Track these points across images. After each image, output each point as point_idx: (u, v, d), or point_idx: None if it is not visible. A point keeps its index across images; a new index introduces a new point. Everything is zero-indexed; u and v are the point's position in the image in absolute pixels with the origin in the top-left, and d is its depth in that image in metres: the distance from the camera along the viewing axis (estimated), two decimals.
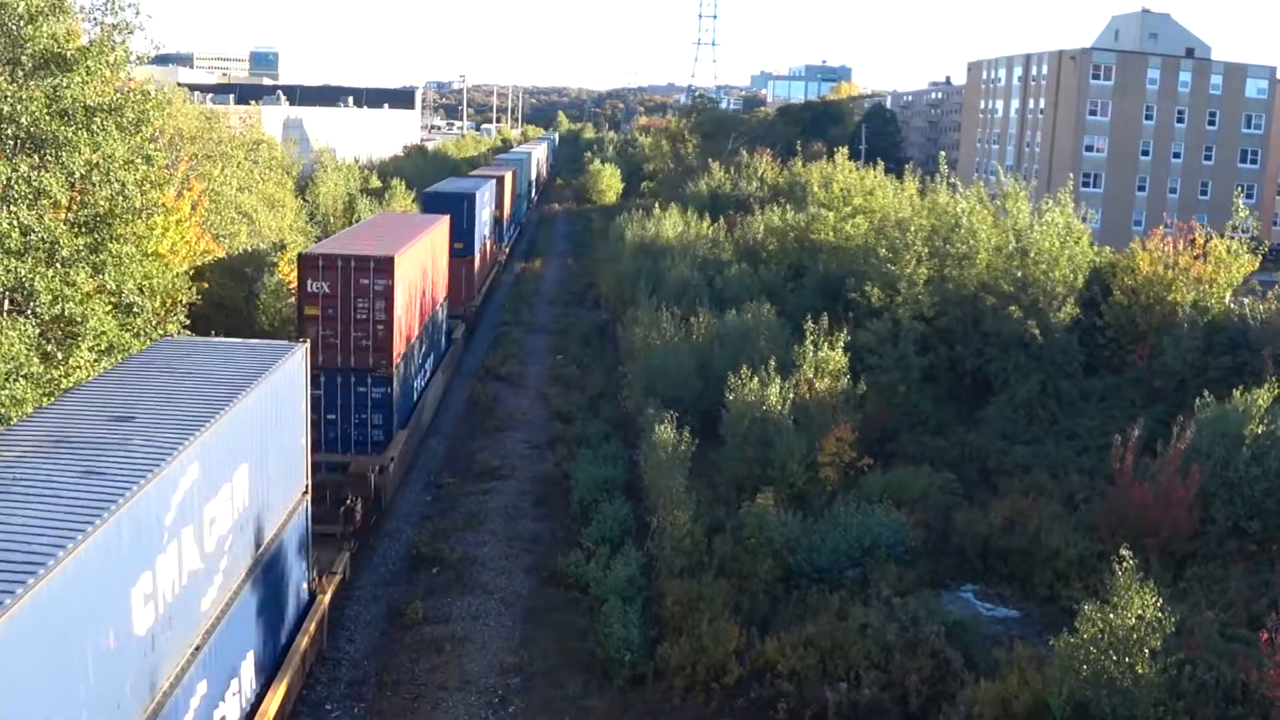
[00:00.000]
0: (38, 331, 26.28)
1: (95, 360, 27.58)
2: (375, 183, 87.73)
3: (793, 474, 32.65)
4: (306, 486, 23.83)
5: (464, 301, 56.98)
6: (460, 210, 56.22)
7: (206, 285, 37.34)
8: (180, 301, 33.60)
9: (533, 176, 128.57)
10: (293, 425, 22.45)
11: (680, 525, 28.84)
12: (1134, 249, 45.03)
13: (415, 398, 39.12)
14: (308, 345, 23.34)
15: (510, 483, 38.49)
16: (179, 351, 21.74)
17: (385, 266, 33.12)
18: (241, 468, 18.55)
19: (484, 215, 63.22)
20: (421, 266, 39.15)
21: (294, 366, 22.21)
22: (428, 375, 41.95)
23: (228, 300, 44.97)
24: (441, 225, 45.48)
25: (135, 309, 29.70)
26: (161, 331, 31.23)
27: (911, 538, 30.06)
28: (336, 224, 65.02)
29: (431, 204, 57.64)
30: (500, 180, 79.57)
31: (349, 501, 30.55)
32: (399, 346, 34.35)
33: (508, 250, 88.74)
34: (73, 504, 13.12)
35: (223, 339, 25.10)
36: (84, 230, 28.79)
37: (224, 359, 21.11)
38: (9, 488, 13.48)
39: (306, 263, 33.14)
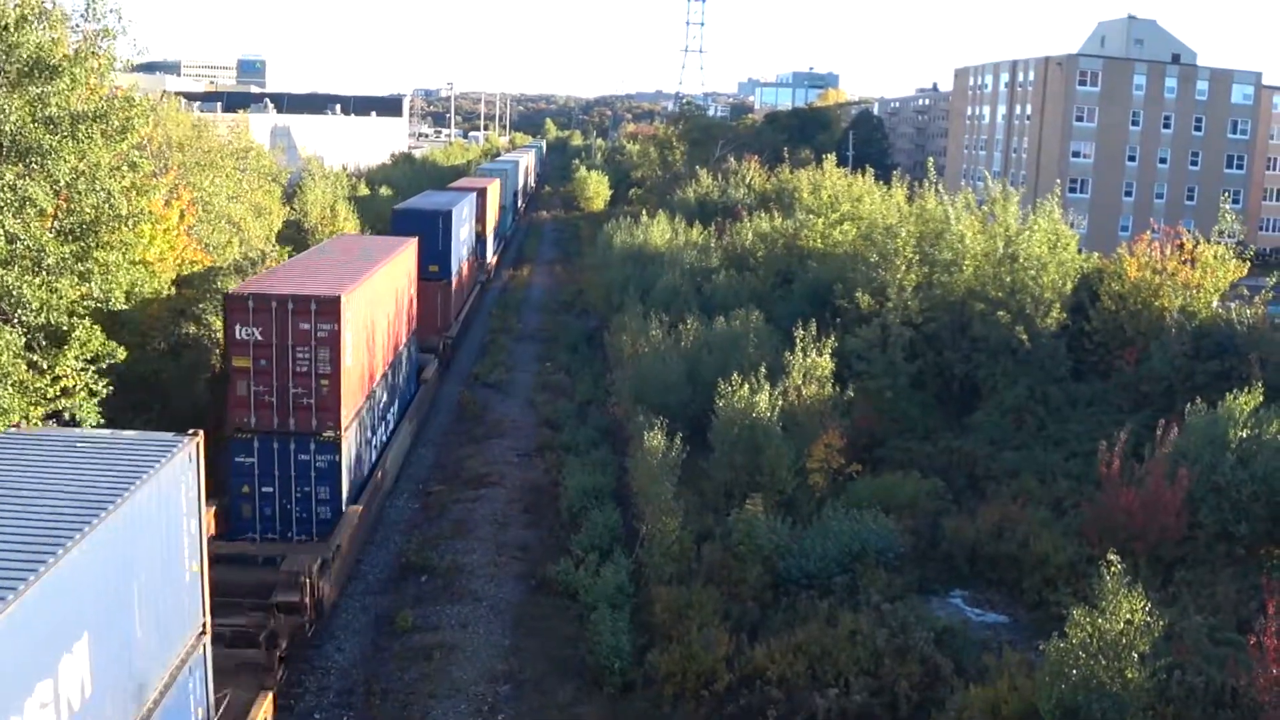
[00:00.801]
0: (23, 341, 26.15)
1: (81, 369, 27.46)
2: (364, 190, 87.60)
3: (781, 480, 32.65)
4: (204, 627, 17.82)
5: (439, 331, 51.41)
6: (434, 229, 51.13)
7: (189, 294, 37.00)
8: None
9: (519, 185, 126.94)
10: (172, 553, 16.34)
11: (669, 532, 28.84)
12: (1121, 254, 45.12)
13: (373, 461, 33.54)
14: (199, 439, 17.50)
15: (499, 490, 38.43)
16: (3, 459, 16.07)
17: (330, 308, 27.96)
18: (78, 644, 12.95)
19: (462, 233, 58.07)
20: (380, 302, 34.10)
21: (172, 476, 16.23)
22: (390, 427, 36.66)
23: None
24: (407, 250, 40.50)
25: (122, 318, 29.59)
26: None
27: (900, 544, 30.07)
28: (323, 232, 64.73)
29: (402, 223, 50.91)
30: (481, 193, 74.30)
31: (271, 623, 24.42)
32: (349, 403, 29.33)
33: (492, 266, 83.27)
34: None
35: (79, 433, 19.29)
36: (70, 238, 28.67)
37: (66, 472, 15.42)
38: None
39: (233, 304, 27.99)
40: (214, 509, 26.72)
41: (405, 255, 39.91)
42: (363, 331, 31.04)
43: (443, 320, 52.22)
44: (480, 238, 73.27)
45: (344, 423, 28.63)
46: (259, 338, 27.77)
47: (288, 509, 28.46)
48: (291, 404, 28.07)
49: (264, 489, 28.28)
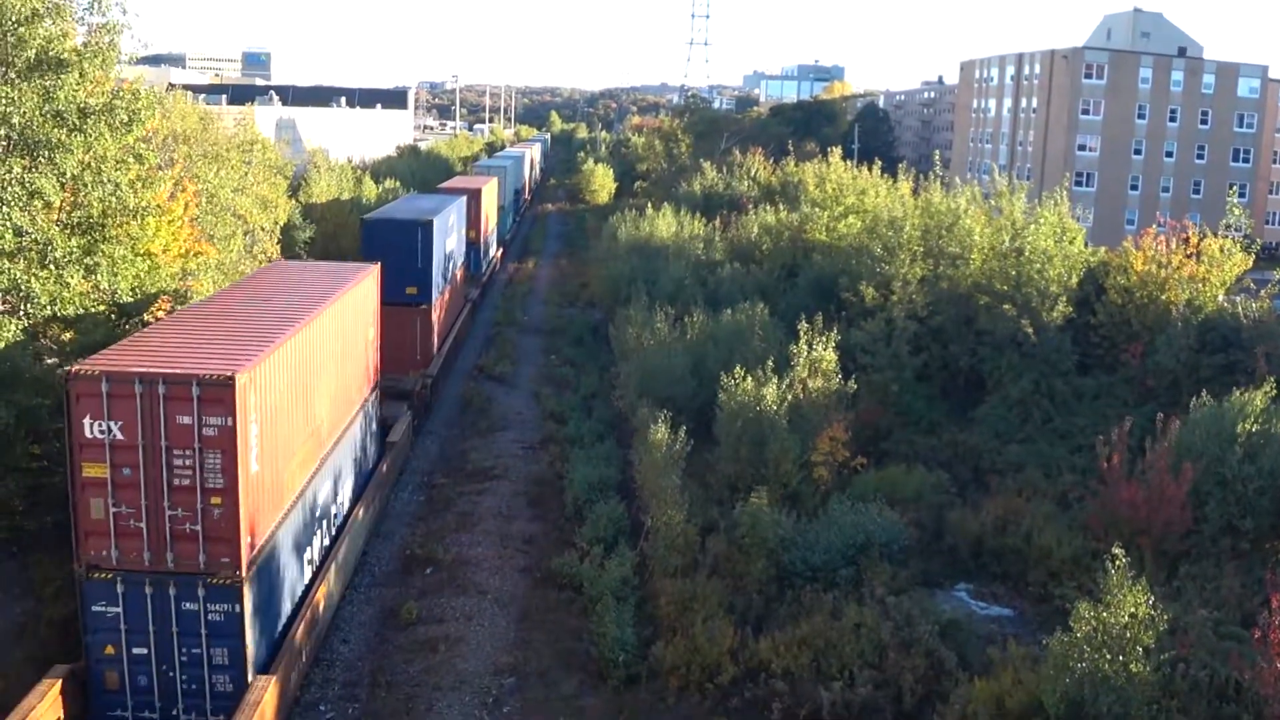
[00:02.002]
0: (28, 334, 26.22)
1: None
2: (369, 183, 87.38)
3: (786, 473, 32.66)
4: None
5: (419, 366, 44.27)
6: (411, 243, 43.56)
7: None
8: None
9: (522, 181, 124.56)
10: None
11: (674, 525, 28.87)
12: (1127, 248, 45.05)
13: (300, 594, 25.05)
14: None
15: (504, 483, 38.46)
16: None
17: (221, 394, 19.84)
18: None
19: (447, 244, 49.96)
20: (315, 364, 25.93)
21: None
22: (333, 531, 28.16)
23: None
24: (363, 282, 32.18)
25: (129, 309, 29.65)
26: None
27: (905, 537, 30.07)
28: (327, 225, 64.76)
29: (374, 236, 43.36)
30: (474, 195, 67.59)
31: None
32: (257, 526, 21.57)
33: (487, 276, 74.63)
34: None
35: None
36: (77, 231, 28.75)
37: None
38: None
39: (80, 388, 19.90)
40: (62, 677, 20.25)
41: (360, 289, 31.63)
42: (280, 416, 22.86)
43: (423, 354, 45.01)
44: (473, 246, 66.72)
45: (248, 557, 20.97)
46: (119, 436, 19.95)
47: (170, 678, 21.03)
48: (169, 532, 20.42)
49: (135, 649, 20.84)
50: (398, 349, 41.43)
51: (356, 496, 31.14)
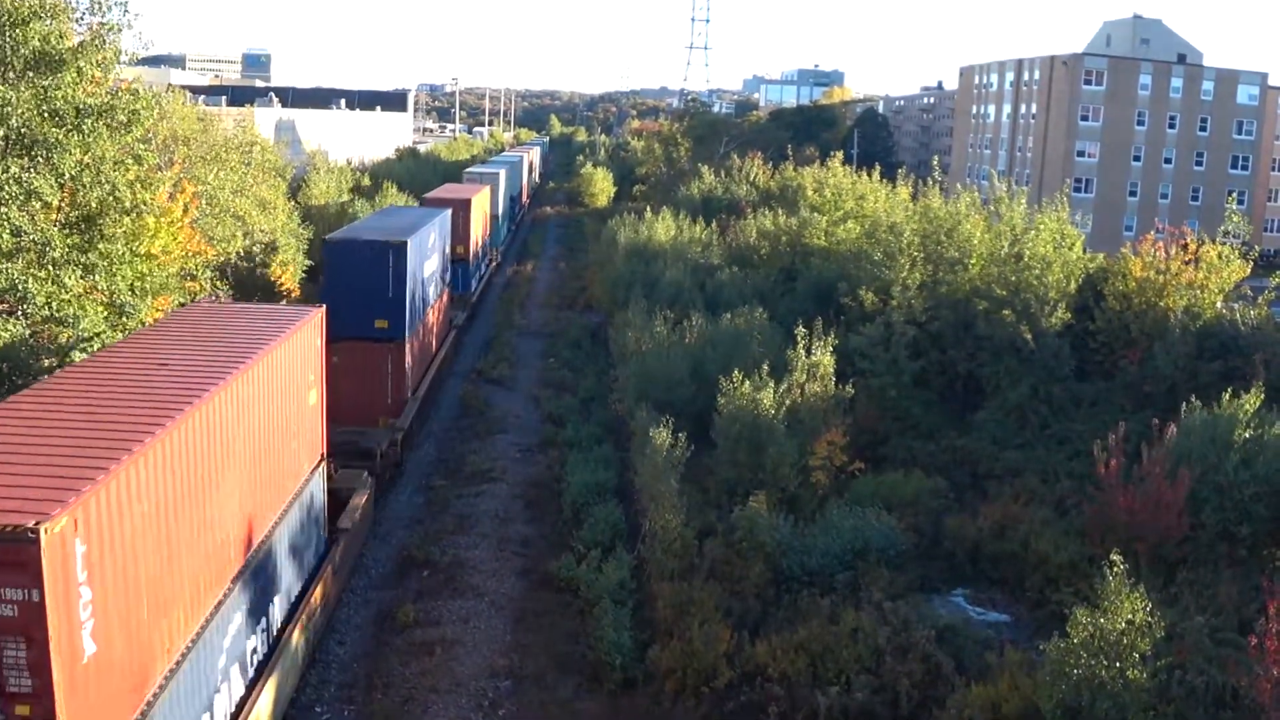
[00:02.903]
0: (29, 333, 26.22)
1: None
2: (366, 185, 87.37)
3: (784, 477, 32.65)
4: None
5: (390, 414, 38.02)
6: (381, 268, 37.59)
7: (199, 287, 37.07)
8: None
9: (520, 186, 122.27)
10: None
11: (672, 528, 28.86)
12: (1126, 254, 45.06)
13: None
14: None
15: (501, 485, 38.48)
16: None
17: (18, 555, 12.98)
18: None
19: (426, 267, 43.09)
20: (213, 458, 18.74)
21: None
22: (253, 669, 21.14)
23: None
24: (298, 333, 24.74)
25: (128, 310, 29.63)
26: None
27: (902, 542, 30.07)
28: (324, 227, 64.79)
29: (337, 260, 37.63)
30: (462, 207, 62.31)
31: None
32: None
33: (477, 294, 68.09)
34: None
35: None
36: (74, 230, 28.74)
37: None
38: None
39: None
40: None
41: (295, 343, 24.41)
42: (145, 554, 15.92)
43: (394, 399, 38.30)
44: (460, 263, 61.24)
45: None
46: None
47: None
48: None
49: None
50: (363, 395, 36.53)
51: (290, 618, 23.64)
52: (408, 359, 39.00)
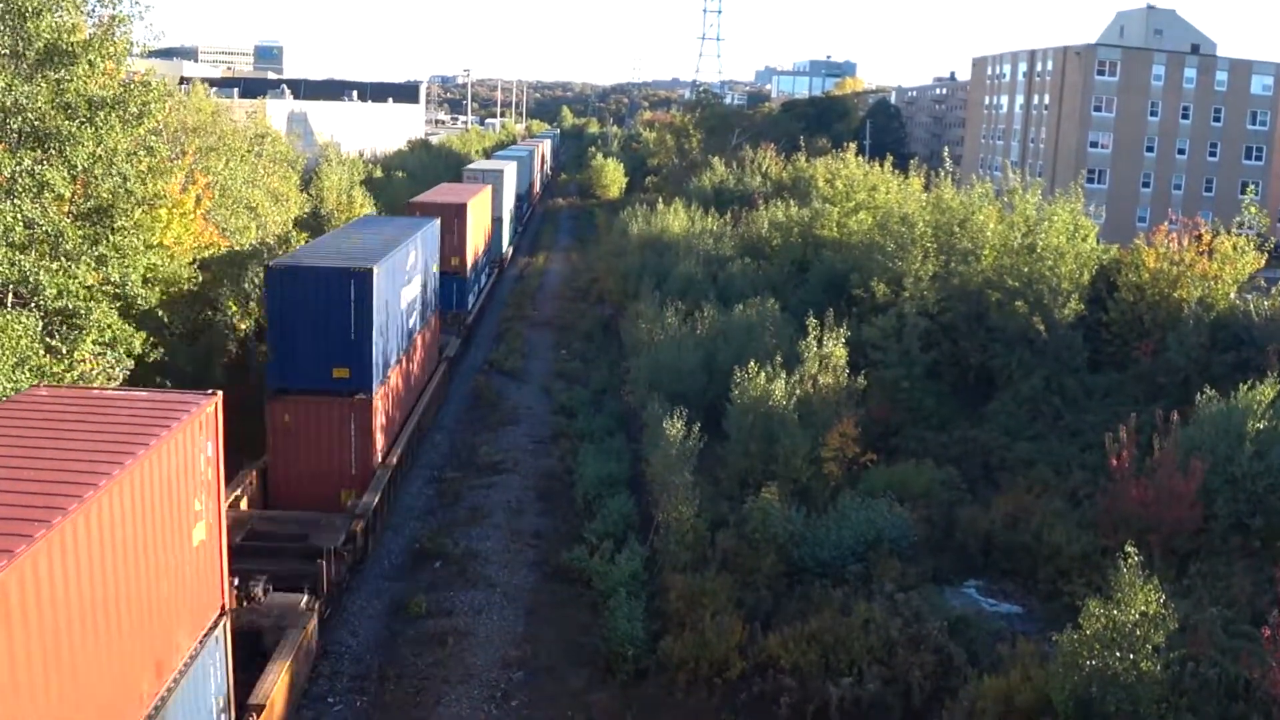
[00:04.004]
0: (40, 325, 26.30)
1: (100, 353, 27.62)
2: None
3: (796, 469, 32.63)
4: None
5: (354, 485, 31.00)
6: (341, 301, 30.26)
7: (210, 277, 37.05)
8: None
9: (531, 179, 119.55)
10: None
11: (684, 520, 28.86)
12: (1139, 245, 44.93)
13: None
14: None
15: (514, 477, 38.52)
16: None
17: None
18: None
19: (404, 295, 36.07)
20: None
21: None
22: None
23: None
24: (171, 438, 16.45)
25: (139, 301, 29.73)
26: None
27: (914, 533, 30.04)
28: (340, 218, 64.76)
29: (284, 293, 30.19)
30: (455, 213, 54.65)
31: None
32: None
33: (475, 312, 59.92)
34: None
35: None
36: (86, 221, 28.83)
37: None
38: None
39: None
40: None
41: (163, 457, 16.23)
42: None
43: (359, 468, 31.23)
44: (453, 278, 54.17)
45: None
46: None
47: None
48: None
49: None
50: (318, 465, 30.63)
51: None
52: (377, 417, 31.81)
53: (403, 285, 35.80)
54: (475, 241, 59.70)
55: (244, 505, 28.98)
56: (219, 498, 18.82)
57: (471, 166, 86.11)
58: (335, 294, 30.24)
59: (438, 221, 45.84)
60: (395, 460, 33.69)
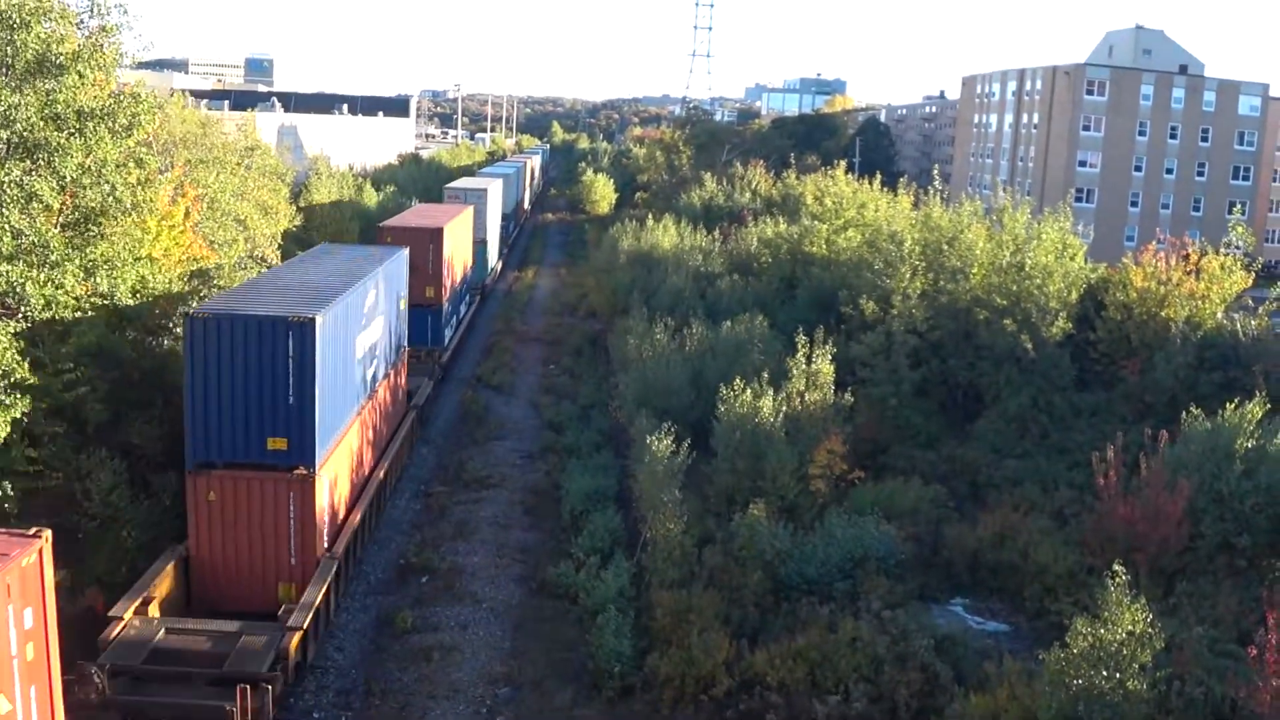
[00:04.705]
0: (25, 338, 26.19)
1: (89, 363, 27.55)
2: (369, 190, 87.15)
3: (784, 486, 32.60)
4: None
5: (291, 580, 26.42)
6: (275, 358, 25.61)
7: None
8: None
9: (520, 196, 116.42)
10: None
11: (671, 536, 28.81)
12: (1127, 264, 45.08)
13: None
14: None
15: (501, 492, 38.44)
16: None
17: None
18: None
19: (360, 343, 31.30)
20: None
21: None
22: None
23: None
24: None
25: (130, 314, 29.64)
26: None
27: (902, 551, 30.03)
28: (327, 231, 64.59)
29: (210, 342, 25.47)
30: (430, 240, 49.62)
31: None
32: None
33: (453, 345, 55.16)
34: None
35: None
36: (73, 229, 28.76)
37: None
38: None
39: None
40: None
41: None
42: None
43: (300, 560, 26.45)
44: (428, 311, 49.57)
45: None
46: None
47: None
48: None
49: None
50: (249, 553, 26.32)
51: None
52: (321, 496, 26.91)
53: (359, 331, 31.11)
54: (454, 269, 54.77)
55: (154, 610, 24.11)
56: (50, 677, 14.58)
57: (453, 185, 79.05)
58: (270, 348, 25.52)
59: (406, 252, 40.53)
60: (345, 545, 28.71)
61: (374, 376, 33.67)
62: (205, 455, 25.85)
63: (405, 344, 40.48)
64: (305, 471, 26.25)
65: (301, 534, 26.38)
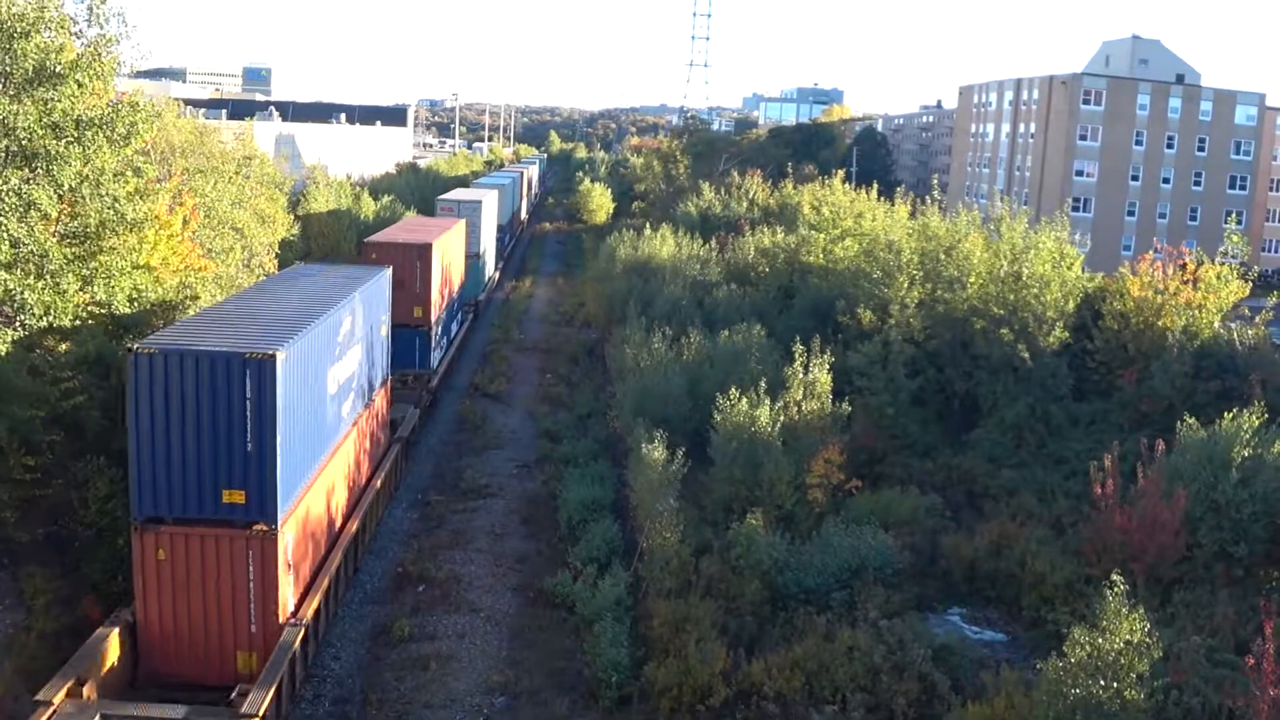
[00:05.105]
0: (22, 346, 26.20)
1: (86, 371, 27.57)
2: (367, 199, 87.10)
3: (781, 495, 32.61)
4: None
5: (250, 649, 23.91)
6: (232, 400, 22.98)
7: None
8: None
9: (517, 206, 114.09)
10: None
11: (668, 546, 28.80)
12: (1124, 274, 45.13)
13: None
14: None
15: (498, 501, 38.42)
16: None
17: None
18: None
19: (333, 377, 28.43)
20: None
21: None
22: None
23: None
24: None
25: (126, 322, 29.65)
26: None
27: (899, 560, 30.03)
28: (326, 241, 64.58)
29: (157, 381, 22.77)
30: (417, 256, 46.16)
31: None
32: None
33: (442, 369, 50.96)
34: None
35: None
36: (74, 242, 28.78)
37: None
38: None
39: None
40: None
41: None
42: None
43: (260, 628, 23.95)
44: (415, 333, 46.28)
45: None
46: None
47: None
48: None
49: None
50: (204, 620, 23.72)
51: None
52: (285, 554, 24.11)
53: (332, 364, 28.22)
54: (444, 286, 51.20)
55: (90, 690, 21.39)
56: None
57: (446, 197, 73.66)
58: (225, 389, 22.81)
59: (388, 272, 37.20)
60: (314, 608, 25.66)
61: (350, 413, 30.77)
62: (153, 509, 23.15)
63: (388, 372, 37.53)
64: (266, 527, 23.50)
65: (262, 598, 23.73)
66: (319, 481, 27.24)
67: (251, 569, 23.52)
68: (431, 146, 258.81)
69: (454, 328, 56.32)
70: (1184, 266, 44.78)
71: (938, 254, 46.57)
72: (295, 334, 24.85)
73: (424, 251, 46.63)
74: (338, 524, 29.69)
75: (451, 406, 49.81)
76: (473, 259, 65.54)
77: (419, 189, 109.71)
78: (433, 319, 47.69)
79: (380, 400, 35.87)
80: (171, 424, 22.78)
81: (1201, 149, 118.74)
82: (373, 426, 34.57)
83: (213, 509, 23.24)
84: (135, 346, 22.85)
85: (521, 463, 42.90)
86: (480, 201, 70.71)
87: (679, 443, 32.50)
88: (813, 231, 61.92)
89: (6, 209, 26.11)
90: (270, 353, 22.90)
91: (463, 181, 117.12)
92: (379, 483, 34.22)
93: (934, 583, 30.83)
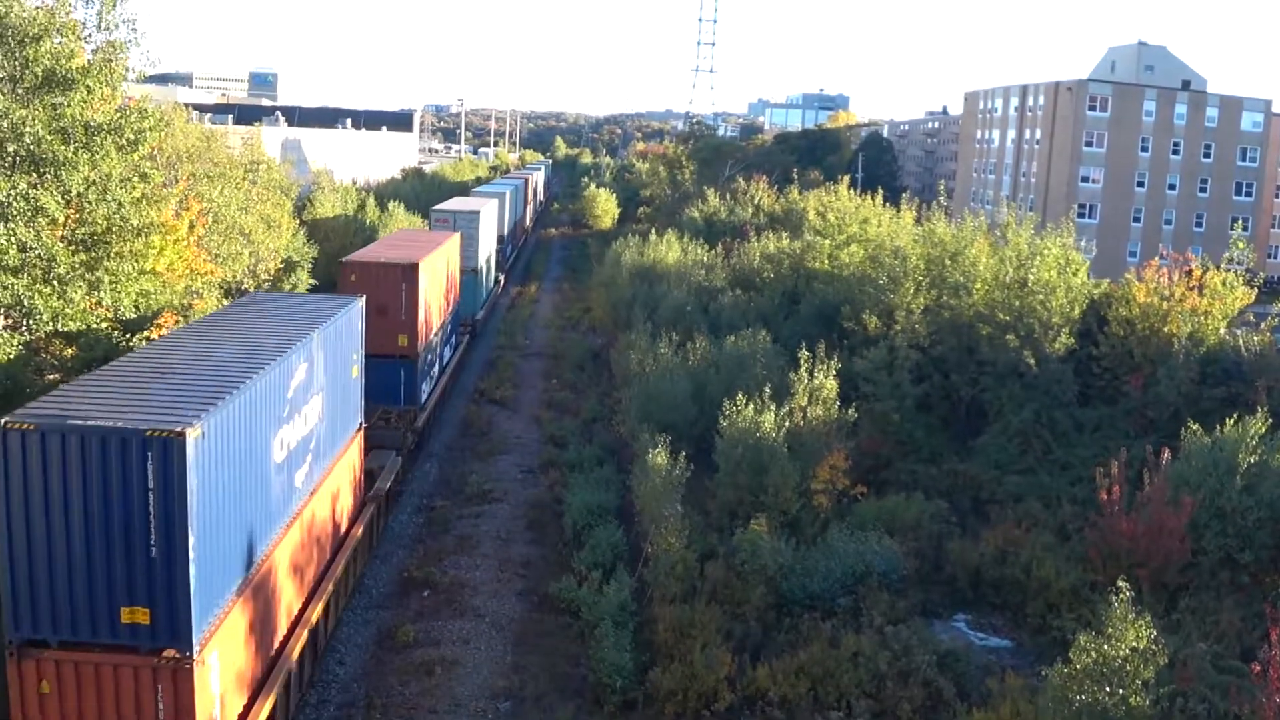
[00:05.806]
0: (30, 350, 26.27)
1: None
2: (372, 205, 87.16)
3: (786, 501, 32.61)
4: None
5: None
6: (128, 493, 17.21)
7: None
8: None
9: (521, 213, 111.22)
10: None
11: (673, 551, 28.81)
12: (1130, 280, 45.10)
13: None
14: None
15: (503, 506, 38.42)
16: None
17: None
18: None
19: (278, 446, 22.23)
20: None
21: None
22: None
23: None
24: None
25: (133, 326, 29.72)
26: None
27: (904, 566, 30.03)
28: (332, 245, 64.55)
29: (30, 466, 16.99)
30: (403, 278, 39.72)
31: None
32: None
33: (433, 401, 44.56)
34: None
35: None
36: (81, 248, 28.85)
37: None
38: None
39: None
40: None
41: None
42: None
43: None
44: (402, 364, 40.16)
45: None
46: None
47: None
48: None
49: None
50: None
51: None
52: (206, 686, 18.25)
53: (279, 426, 22.42)
54: (435, 309, 44.89)
55: None
56: None
57: (441, 208, 67.49)
58: (120, 477, 17.28)
59: (360, 302, 31.19)
60: None
61: (306, 481, 24.86)
62: (32, 630, 17.69)
63: (362, 418, 31.70)
64: (178, 654, 17.73)
65: None
66: (260, 577, 21.14)
67: (161, 707, 17.79)
68: (437, 152, 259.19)
69: (447, 354, 50.16)
70: (1190, 273, 44.74)
71: (943, 260, 46.57)
72: (219, 400, 18.76)
73: (409, 272, 40.07)
74: (291, 622, 23.58)
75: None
76: (469, 275, 59.72)
77: (424, 194, 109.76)
78: (420, 346, 41.16)
79: (353, 452, 30.43)
80: (53, 522, 17.29)
81: (1207, 155, 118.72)
82: (340, 490, 28.65)
83: (109, 631, 17.72)
84: (4, 421, 17.16)
85: (527, 468, 42.90)
86: (478, 212, 64.23)
87: (684, 448, 32.51)
88: (818, 237, 61.93)
89: (14, 213, 26.18)
90: (178, 430, 17.12)
91: (465, 189, 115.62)
92: (347, 550, 28.42)
93: (939, 589, 30.82)
